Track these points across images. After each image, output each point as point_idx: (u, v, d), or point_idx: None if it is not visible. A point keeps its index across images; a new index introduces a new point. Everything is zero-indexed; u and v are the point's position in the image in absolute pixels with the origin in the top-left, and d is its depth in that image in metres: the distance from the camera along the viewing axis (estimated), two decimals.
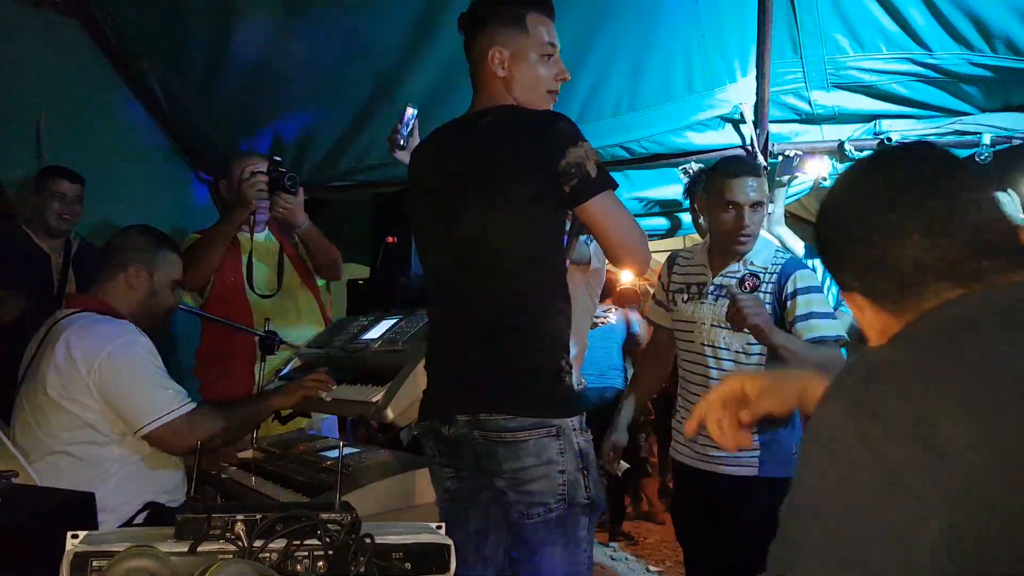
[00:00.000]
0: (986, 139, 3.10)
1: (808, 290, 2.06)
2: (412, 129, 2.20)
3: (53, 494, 1.48)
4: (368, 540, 1.02)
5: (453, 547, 1.10)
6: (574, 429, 1.53)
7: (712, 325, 2.16)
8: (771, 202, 3.40)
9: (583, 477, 1.53)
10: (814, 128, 3.37)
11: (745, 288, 2.11)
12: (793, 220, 4.08)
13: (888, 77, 3.04)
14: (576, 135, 1.54)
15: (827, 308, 2.07)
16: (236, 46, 3.25)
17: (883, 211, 0.84)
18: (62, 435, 1.83)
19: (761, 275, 2.12)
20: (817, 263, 3.33)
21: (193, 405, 1.88)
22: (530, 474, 1.50)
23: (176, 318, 2.98)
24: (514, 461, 1.50)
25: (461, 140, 1.64)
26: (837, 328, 2.04)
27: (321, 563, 1.00)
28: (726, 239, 2.14)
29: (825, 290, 3.31)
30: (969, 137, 3.16)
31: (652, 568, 4.19)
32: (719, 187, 2.13)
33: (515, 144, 1.56)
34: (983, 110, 3.14)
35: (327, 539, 1.00)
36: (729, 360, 2.13)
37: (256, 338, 2.55)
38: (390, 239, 3.13)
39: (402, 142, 2.17)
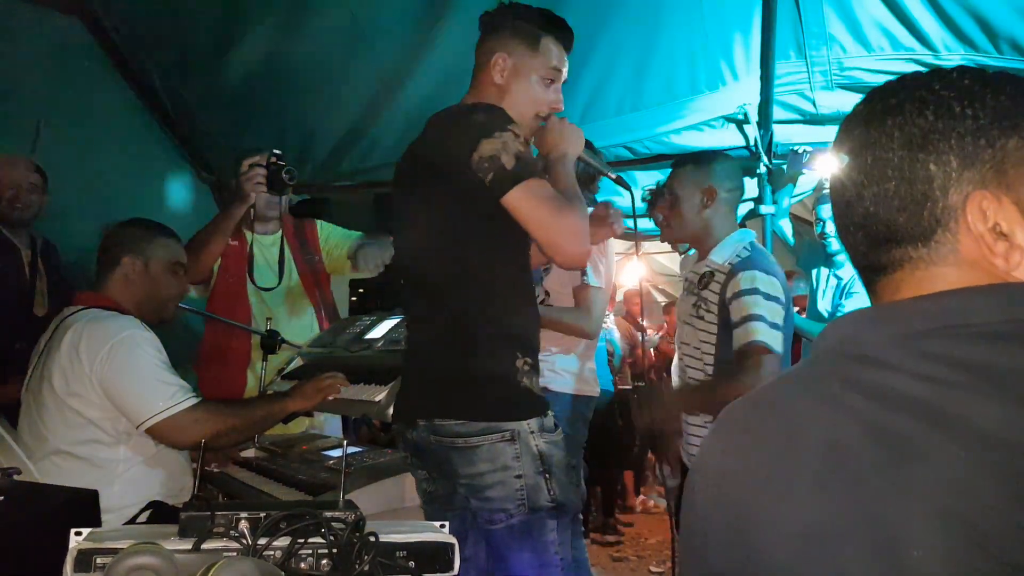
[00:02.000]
0: None
1: (744, 293, 1.97)
2: None
3: (56, 491, 1.48)
4: (372, 538, 1.02)
5: (456, 545, 1.10)
6: (531, 432, 1.48)
7: (681, 321, 2.22)
8: (775, 201, 3.41)
9: (545, 480, 1.48)
10: (818, 129, 3.37)
11: (701, 285, 2.13)
12: (797, 221, 4.08)
13: (893, 77, 3.03)
14: (492, 125, 1.46)
15: (758, 310, 1.93)
16: (239, 45, 3.26)
17: None
18: (66, 434, 1.83)
19: (716, 272, 2.10)
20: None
21: (196, 400, 1.86)
22: (486, 480, 1.47)
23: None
24: (469, 467, 1.48)
25: (416, 139, 1.65)
26: (759, 333, 1.90)
27: (325, 561, 1.00)
28: None
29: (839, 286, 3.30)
30: None
31: (654, 569, 4.19)
32: None
33: (437, 141, 1.55)
34: None
35: (331, 537, 0.99)
36: (687, 356, 2.17)
37: (258, 337, 2.56)
38: (392, 239, 3.13)
39: None
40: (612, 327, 5.43)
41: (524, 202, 1.45)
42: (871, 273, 0.73)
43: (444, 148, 1.51)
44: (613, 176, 1.79)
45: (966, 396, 0.57)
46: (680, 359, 2.21)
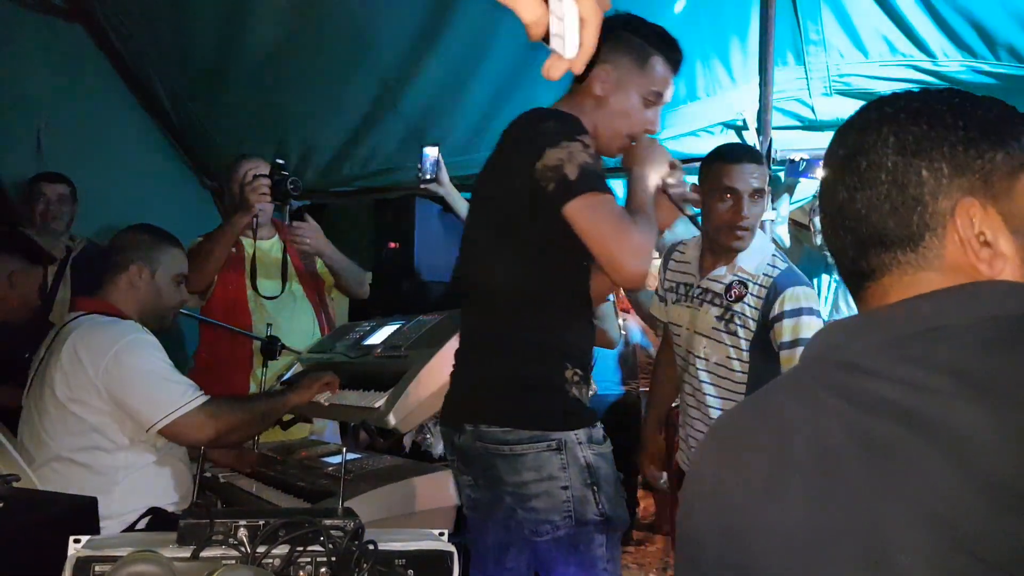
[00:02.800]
0: None
1: (796, 312, 1.89)
2: (436, 165, 2.36)
3: (55, 499, 1.48)
4: (371, 546, 1.02)
5: (456, 554, 1.10)
6: (579, 443, 1.45)
7: (695, 332, 2.05)
8: (775, 208, 3.40)
9: (592, 493, 1.44)
10: (817, 135, 3.38)
11: (730, 297, 1.98)
12: (795, 227, 4.08)
13: (891, 84, 3.03)
14: (560, 134, 1.42)
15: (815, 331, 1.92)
16: (241, 52, 3.27)
17: None
18: (67, 440, 1.83)
19: (748, 283, 1.96)
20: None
21: (207, 397, 1.87)
22: (531, 490, 1.44)
23: (177, 320, 2.99)
24: (514, 475, 1.46)
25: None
26: None
27: (324, 569, 0.99)
28: (721, 232, 1.97)
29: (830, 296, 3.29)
30: None
31: None
32: (717, 173, 1.96)
33: (507, 148, 1.53)
34: None
35: (330, 545, 0.99)
36: (704, 371, 2.02)
37: (258, 343, 2.56)
38: (392, 244, 3.14)
39: (428, 176, 2.34)
40: (633, 325, 5.23)
41: (584, 215, 1.39)
42: (858, 279, 0.75)
43: (511, 155, 1.49)
44: (689, 214, 1.71)
45: (945, 399, 0.58)
46: (693, 373, 2.06)
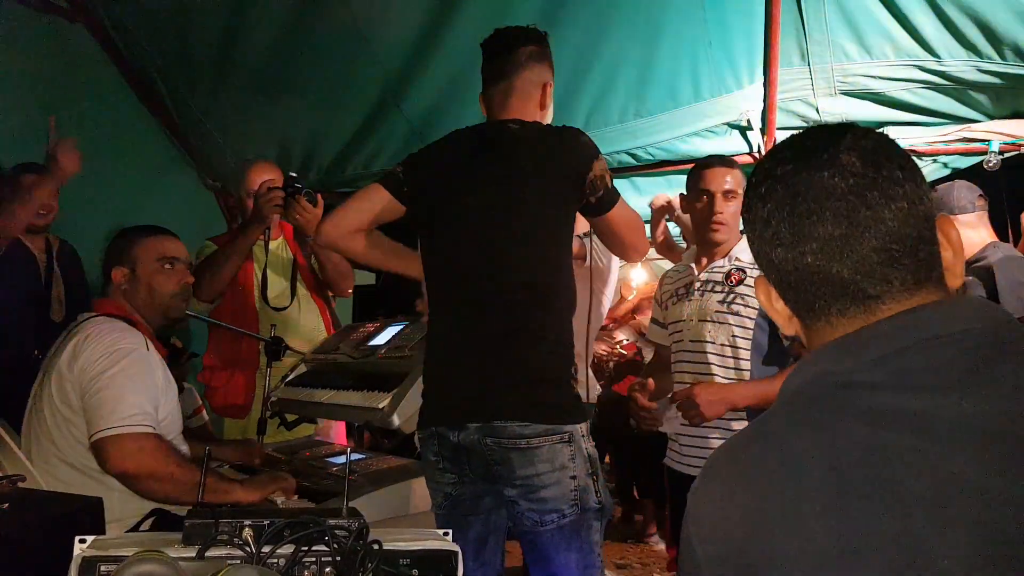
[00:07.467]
0: (995, 146, 3.08)
1: None
2: None
3: (60, 499, 1.48)
4: (376, 546, 1.02)
5: (460, 553, 1.10)
6: (583, 435, 1.56)
7: (699, 320, 2.12)
8: None
9: (593, 482, 1.56)
10: None
11: (731, 282, 2.09)
12: None
13: (896, 84, 3.04)
14: (595, 148, 1.67)
15: None
16: (244, 52, 3.27)
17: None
18: (62, 442, 1.81)
19: (748, 270, 2.09)
20: None
21: (150, 430, 1.76)
22: (543, 480, 1.52)
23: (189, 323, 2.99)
24: (528, 468, 1.52)
25: (486, 145, 1.69)
26: None
27: (329, 569, 1.00)
28: (702, 230, 2.17)
29: None
30: (978, 144, 3.15)
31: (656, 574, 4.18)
32: (695, 179, 2.17)
33: (545, 151, 1.64)
34: (992, 117, 3.13)
35: (335, 545, 0.99)
36: (715, 354, 2.08)
37: (262, 344, 2.57)
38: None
39: None
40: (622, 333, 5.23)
41: (622, 214, 1.71)
42: (858, 301, 0.72)
43: (558, 162, 1.63)
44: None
45: (956, 400, 0.60)
46: (704, 356, 2.10)
